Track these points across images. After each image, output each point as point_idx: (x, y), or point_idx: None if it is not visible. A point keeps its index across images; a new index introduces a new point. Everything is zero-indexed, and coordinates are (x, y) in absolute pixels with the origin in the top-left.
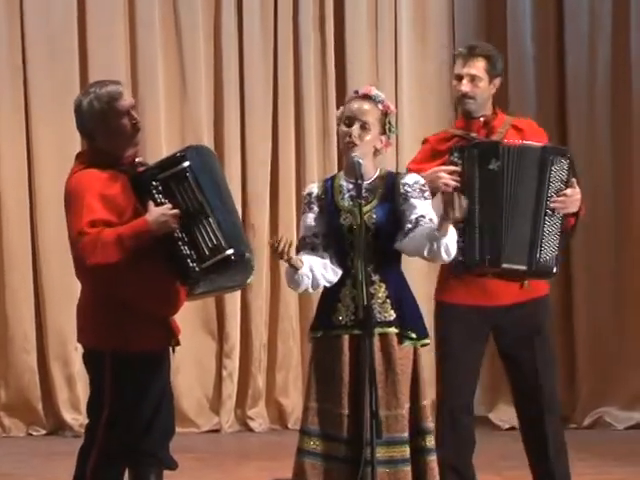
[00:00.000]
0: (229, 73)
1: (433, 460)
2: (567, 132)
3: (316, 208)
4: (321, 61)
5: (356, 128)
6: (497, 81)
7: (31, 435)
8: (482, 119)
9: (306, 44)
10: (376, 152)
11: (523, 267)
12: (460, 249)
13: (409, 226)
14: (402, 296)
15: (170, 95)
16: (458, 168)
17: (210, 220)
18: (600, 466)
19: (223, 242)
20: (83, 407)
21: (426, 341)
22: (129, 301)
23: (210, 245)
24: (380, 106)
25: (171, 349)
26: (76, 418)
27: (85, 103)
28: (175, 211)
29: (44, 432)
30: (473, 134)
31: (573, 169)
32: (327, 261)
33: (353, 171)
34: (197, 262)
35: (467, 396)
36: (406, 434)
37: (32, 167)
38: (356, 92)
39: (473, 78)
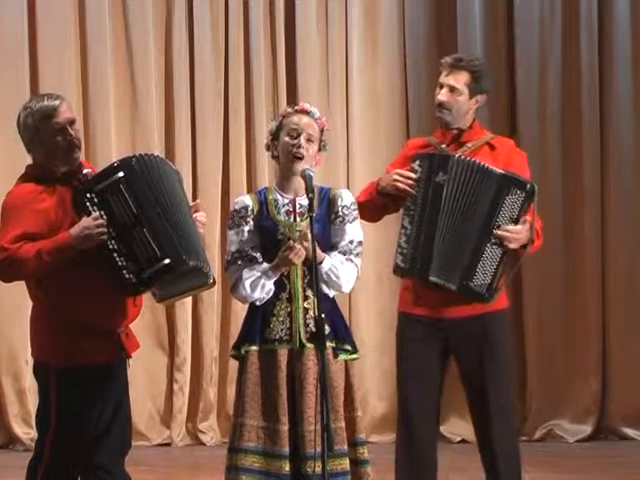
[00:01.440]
0: (180, 84)
1: (369, 470)
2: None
3: (251, 221)
4: (272, 72)
5: (303, 140)
6: (481, 97)
7: None
8: (455, 132)
9: (256, 55)
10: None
11: (453, 286)
12: (403, 255)
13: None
14: (334, 311)
15: (121, 106)
16: (414, 174)
17: (145, 231)
18: (551, 478)
19: (159, 252)
20: (34, 421)
21: (356, 355)
22: (71, 314)
23: (146, 256)
24: (318, 122)
25: (127, 362)
26: (27, 432)
27: (22, 118)
28: (99, 222)
29: None
30: (443, 145)
31: (529, 204)
32: None
33: (291, 184)
34: (134, 273)
35: (427, 411)
36: (345, 447)
37: None
38: (292, 107)
39: (452, 89)
